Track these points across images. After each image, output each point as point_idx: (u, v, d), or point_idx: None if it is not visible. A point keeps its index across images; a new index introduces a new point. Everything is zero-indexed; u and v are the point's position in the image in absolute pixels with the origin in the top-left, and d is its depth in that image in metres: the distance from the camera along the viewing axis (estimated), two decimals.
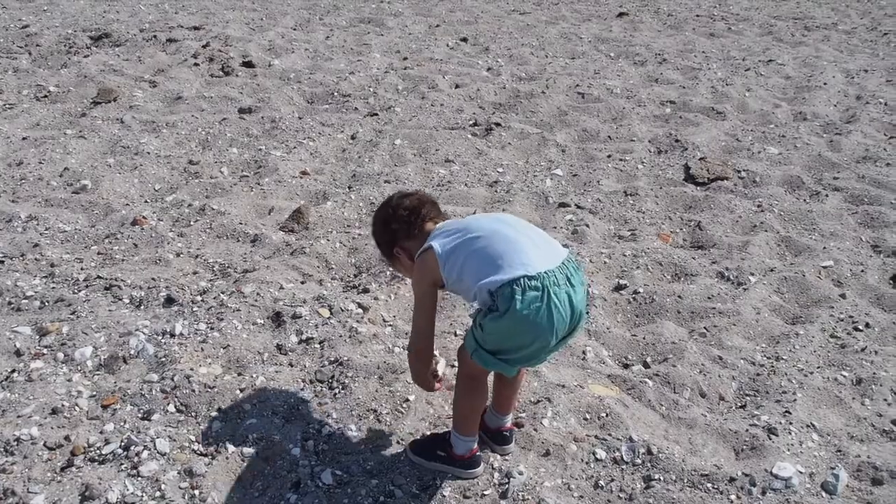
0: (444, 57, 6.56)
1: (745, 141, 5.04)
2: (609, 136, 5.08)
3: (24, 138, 4.52)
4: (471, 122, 5.11)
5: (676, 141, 4.92)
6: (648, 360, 2.93)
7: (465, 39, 7.23)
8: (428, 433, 2.43)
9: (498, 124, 5.05)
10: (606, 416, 2.53)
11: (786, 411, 2.60)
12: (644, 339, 3.03)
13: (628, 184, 4.39)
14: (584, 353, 2.90)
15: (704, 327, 3.12)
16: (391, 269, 2.41)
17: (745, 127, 5.31)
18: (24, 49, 6.07)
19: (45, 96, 5.18)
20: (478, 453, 2.28)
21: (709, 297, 3.31)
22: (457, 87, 5.79)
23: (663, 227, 3.97)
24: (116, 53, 6.08)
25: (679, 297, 3.29)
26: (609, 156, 4.75)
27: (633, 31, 7.96)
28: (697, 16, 8.84)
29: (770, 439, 2.45)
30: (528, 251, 1.99)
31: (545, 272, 1.93)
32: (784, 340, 3.04)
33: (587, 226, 3.85)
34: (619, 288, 3.36)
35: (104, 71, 5.63)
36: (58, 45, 6.17)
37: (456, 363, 2.47)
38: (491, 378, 2.32)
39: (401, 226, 2.25)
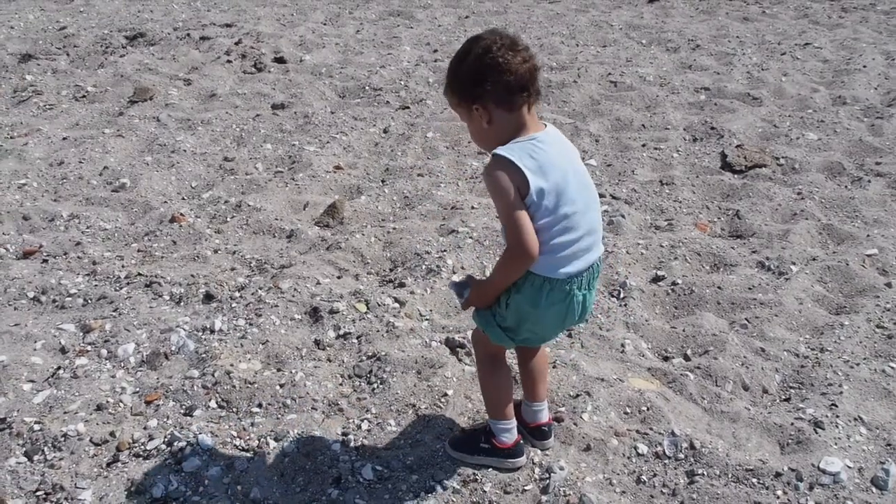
0: None
1: (783, 127, 4.93)
2: (643, 125, 5.00)
3: (64, 138, 4.61)
4: None
5: (712, 128, 4.83)
6: (689, 352, 2.89)
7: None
8: (466, 428, 2.43)
9: None
10: (647, 409, 2.50)
11: (832, 404, 2.54)
12: (684, 331, 2.98)
13: (664, 173, 4.32)
14: (622, 346, 2.86)
15: (746, 318, 3.06)
16: (455, 112, 1.98)
17: (783, 112, 5.19)
18: (62, 50, 6.18)
19: (84, 96, 5.27)
20: (521, 441, 2.27)
21: (749, 288, 3.25)
22: None
23: (700, 217, 3.90)
24: (151, 52, 6.16)
25: (719, 287, 3.23)
26: (643, 145, 4.68)
27: (665, 17, 7.83)
28: None
29: (816, 433, 2.40)
30: (584, 250, 1.97)
31: (576, 275, 1.96)
32: (828, 331, 2.97)
33: (623, 216, 3.80)
34: (656, 279, 3.31)
35: (140, 70, 5.71)
36: (94, 45, 6.28)
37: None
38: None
39: (498, 89, 1.83)
